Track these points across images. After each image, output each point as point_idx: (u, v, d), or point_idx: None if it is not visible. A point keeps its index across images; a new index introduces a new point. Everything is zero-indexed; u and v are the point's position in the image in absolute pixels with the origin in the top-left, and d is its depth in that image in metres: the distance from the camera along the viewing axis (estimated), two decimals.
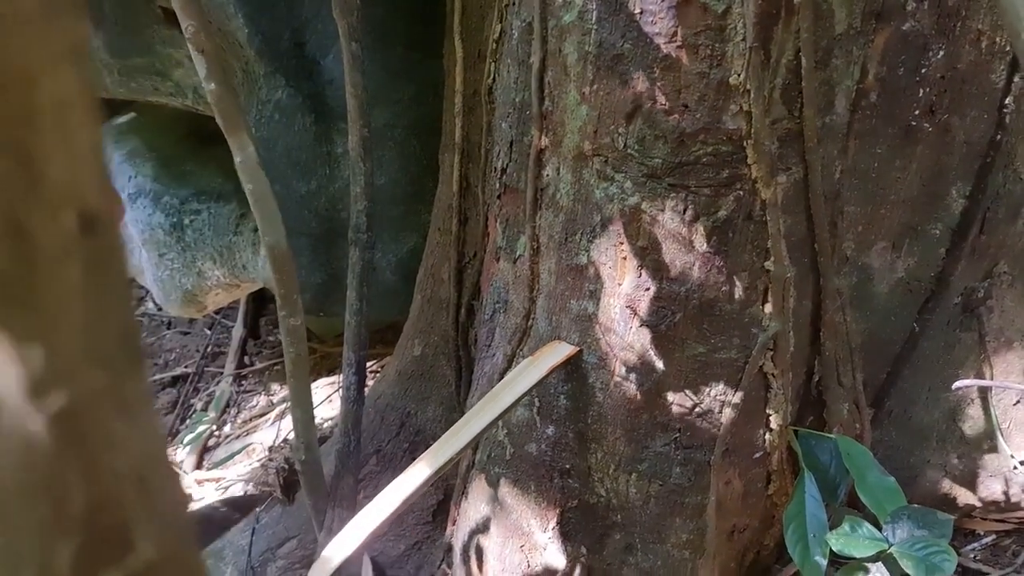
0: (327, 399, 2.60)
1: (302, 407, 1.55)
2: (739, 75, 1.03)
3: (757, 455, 1.29)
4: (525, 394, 1.22)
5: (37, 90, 0.18)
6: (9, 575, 0.21)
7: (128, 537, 0.23)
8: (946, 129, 1.17)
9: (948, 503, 1.46)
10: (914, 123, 1.15)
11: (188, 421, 2.76)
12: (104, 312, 0.21)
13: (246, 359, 3.06)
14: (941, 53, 1.11)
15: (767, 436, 1.27)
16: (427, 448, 1.23)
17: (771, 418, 1.26)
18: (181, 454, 2.50)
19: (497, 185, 1.37)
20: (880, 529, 1.15)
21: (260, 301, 3.12)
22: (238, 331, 3.10)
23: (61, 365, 0.20)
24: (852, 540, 1.11)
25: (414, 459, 1.53)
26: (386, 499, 1.12)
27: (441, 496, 1.81)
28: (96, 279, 0.21)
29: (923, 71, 1.12)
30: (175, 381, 3.02)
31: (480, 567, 1.43)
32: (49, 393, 0.20)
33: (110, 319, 0.21)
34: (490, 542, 1.41)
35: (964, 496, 1.46)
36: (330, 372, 2.81)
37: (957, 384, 1.24)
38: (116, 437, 0.22)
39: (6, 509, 0.20)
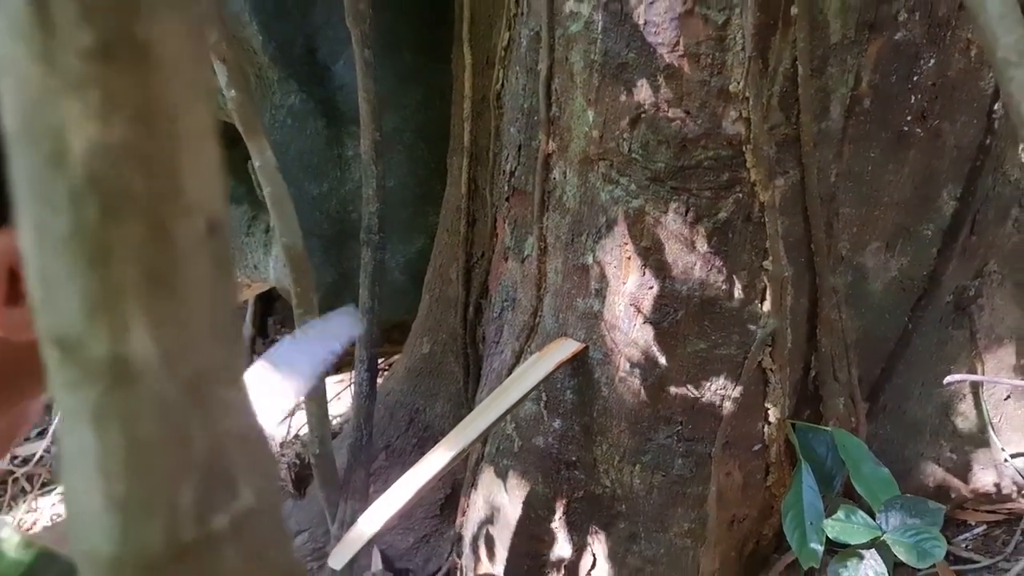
0: (336, 396, 2.65)
1: (317, 402, 1.60)
2: (738, 83, 1.08)
3: (756, 447, 1.34)
4: (533, 389, 1.26)
5: (179, 121, 0.23)
6: (145, 512, 0.26)
7: (234, 486, 0.28)
8: (937, 134, 1.22)
9: (941, 495, 1.51)
10: (906, 128, 1.20)
11: None
12: (222, 299, 0.26)
13: (254, 358, 3.11)
14: (932, 61, 1.15)
15: (766, 429, 1.32)
16: (436, 443, 1.28)
17: (769, 412, 1.31)
18: None
19: (506, 188, 1.42)
20: (874, 517, 1.20)
21: (267, 301, 3.18)
22: (247, 331, 3.15)
23: (191, 341, 0.25)
24: (847, 527, 1.16)
25: (423, 454, 1.58)
26: (400, 489, 1.17)
27: (449, 490, 1.86)
28: (217, 271, 0.26)
29: (915, 79, 1.16)
30: None
31: (490, 556, 1.48)
32: (181, 363, 0.25)
33: (225, 304, 0.26)
34: (499, 532, 1.46)
35: (956, 488, 1.51)
36: (338, 370, 2.86)
37: (949, 379, 1.28)
38: (227, 402, 0.27)
39: (146, 457, 0.25)
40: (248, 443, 0.28)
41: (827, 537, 1.19)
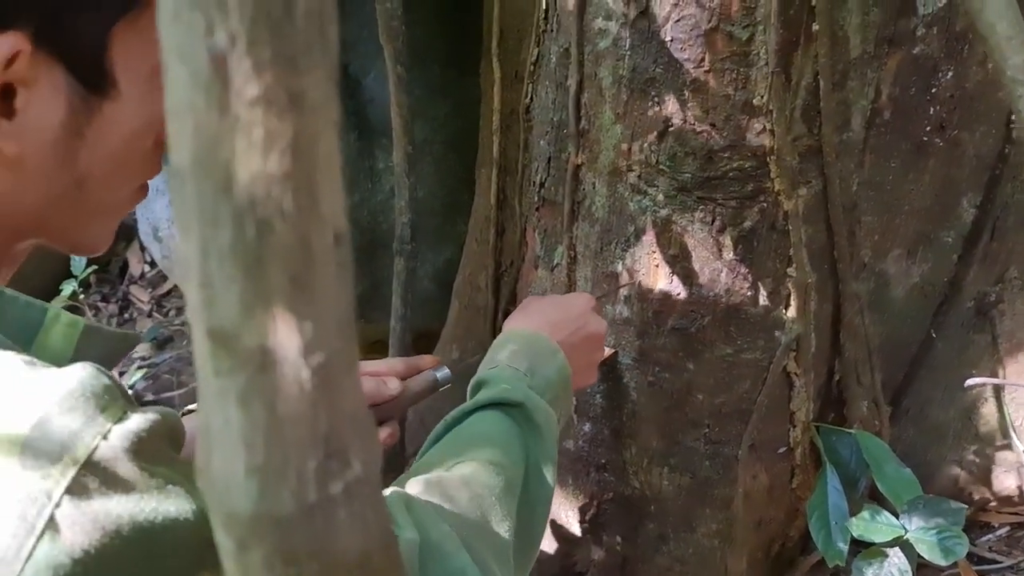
0: None
1: None
2: (762, 97, 1.13)
3: (782, 450, 1.38)
4: None
5: (318, 150, 0.29)
6: (279, 478, 0.31)
7: (347, 457, 0.32)
8: (956, 144, 1.26)
9: (964, 497, 1.54)
10: (926, 139, 1.24)
11: None
12: (344, 298, 0.31)
13: None
14: (950, 74, 1.19)
15: (791, 432, 1.36)
16: None
17: (794, 415, 1.34)
18: None
19: (536, 198, 1.47)
20: (898, 518, 1.23)
21: None
22: None
23: (321, 334, 0.30)
24: (871, 526, 1.20)
25: None
26: None
27: None
28: (341, 275, 0.31)
29: (933, 91, 1.20)
30: None
31: None
32: (313, 353, 0.30)
33: (347, 303, 0.31)
34: None
35: (979, 490, 1.54)
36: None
37: (970, 382, 1.31)
38: (344, 386, 0.32)
39: (282, 432, 0.30)
40: (358, 422, 0.33)
41: (852, 536, 1.23)
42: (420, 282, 2.22)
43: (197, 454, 0.32)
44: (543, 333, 1.03)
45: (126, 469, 0.48)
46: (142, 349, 3.46)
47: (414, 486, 0.79)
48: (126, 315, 3.73)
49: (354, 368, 0.32)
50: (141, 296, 3.79)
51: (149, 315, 3.73)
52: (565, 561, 1.47)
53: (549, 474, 0.88)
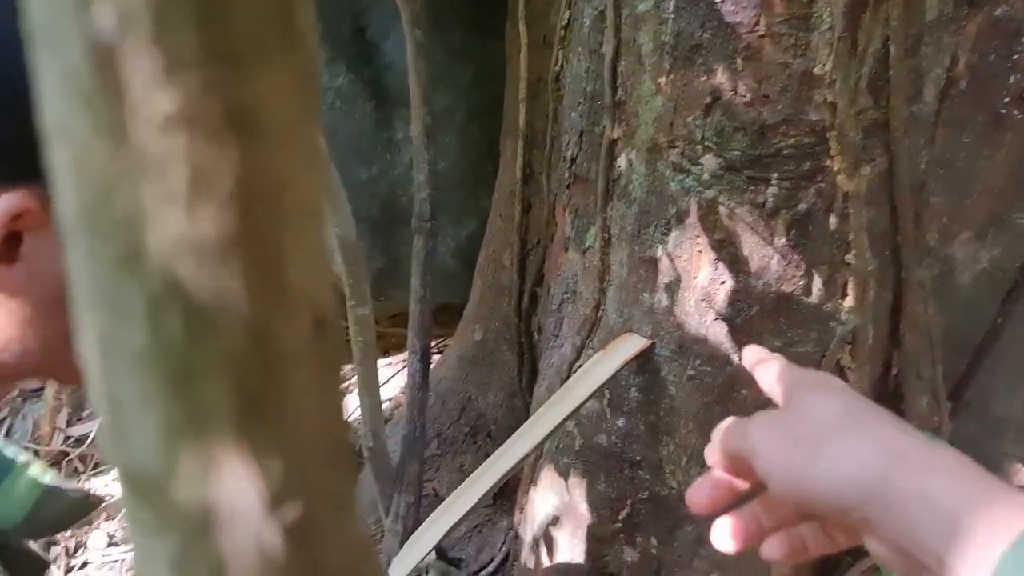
0: (384, 381, 2.63)
1: (370, 394, 1.57)
2: (824, 65, 1.00)
3: None
4: (600, 387, 1.21)
5: (285, 199, 0.18)
6: None
7: None
8: None
9: None
10: (1003, 111, 1.11)
11: None
12: (330, 411, 0.21)
13: None
14: None
15: None
16: (487, 433, 1.24)
17: None
18: None
19: (566, 175, 1.36)
20: None
21: None
22: None
23: (297, 472, 0.20)
24: None
25: (475, 442, 1.52)
26: (466, 493, 1.13)
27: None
28: (324, 379, 0.20)
29: (1015, 57, 1.07)
30: None
31: (550, 556, 1.43)
32: (285, 503, 0.20)
33: (335, 417, 0.21)
34: (560, 532, 1.42)
35: None
36: (385, 353, 2.83)
37: None
38: (337, 539, 0.22)
39: None
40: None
41: None
42: (441, 257, 2.12)
43: None
44: None
45: None
46: None
47: None
48: None
49: (350, 508, 0.22)
50: None
51: None
52: (596, 562, 1.38)
53: None
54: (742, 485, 0.67)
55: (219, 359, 0.18)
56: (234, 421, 0.18)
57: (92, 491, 0.69)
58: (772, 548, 0.65)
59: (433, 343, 2.75)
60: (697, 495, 0.69)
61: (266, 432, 0.19)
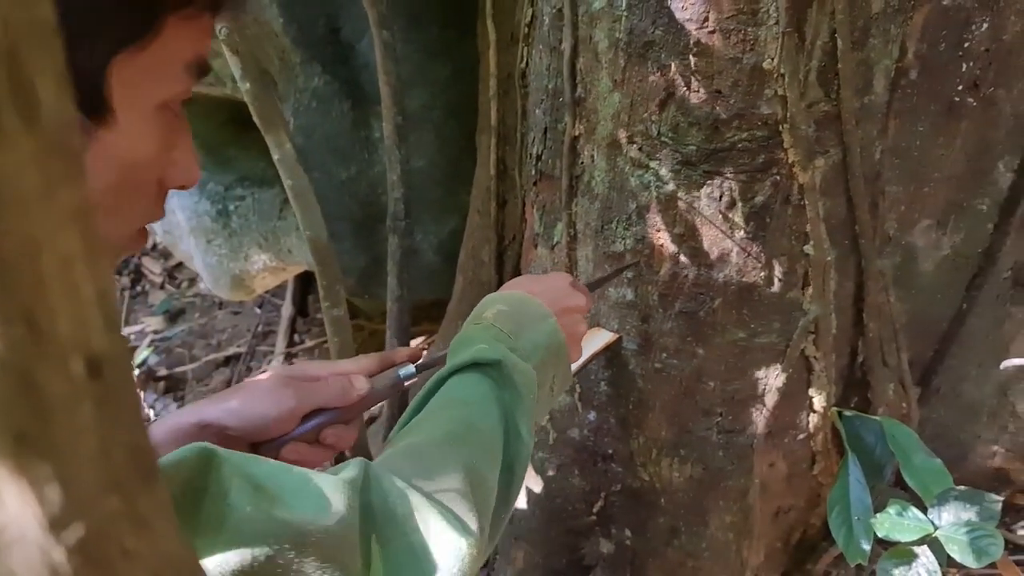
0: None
1: None
2: (773, 59, 1.01)
3: (800, 437, 1.28)
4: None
5: (43, 256, 0.19)
6: None
7: None
8: (991, 103, 1.14)
9: (1000, 478, 1.44)
10: (957, 99, 1.12)
11: None
12: (115, 442, 0.22)
13: (296, 337, 3.12)
14: (985, 26, 1.07)
15: (810, 418, 1.27)
16: None
17: (814, 400, 1.25)
18: None
19: (533, 172, 1.37)
20: (926, 511, 1.14)
21: (307, 279, 3.17)
22: (287, 310, 3.15)
23: (77, 498, 0.21)
24: (897, 524, 1.11)
25: None
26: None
27: None
28: (106, 414, 0.22)
29: (966, 45, 1.08)
30: (228, 361, 3.10)
31: (528, 551, 1.45)
32: (68, 526, 0.21)
33: (121, 447, 0.22)
34: (536, 526, 1.43)
35: (1017, 471, 1.44)
36: (379, 349, 2.85)
37: (1006, 363, 1.21)
38: (133, 552, 0.23)
39: None
40: None
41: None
42: (425, 255, 2.14)
43: None
44: (535, 298, 0.97)
45: None
46: (154, 323, 3.43)
47: (384, 460, 0.74)
48: (138, 287, 3.69)
49: (147, 524, 0.23)
50: (153, 268, 3.75)
51: (161, 287, 3.68)
52: (572, 555, 1.40)
53: (526, 433, 0.82)
54: None
55: None
56: (10, 457, 0.20)
57: None
58: None
59: (422, 338, 2.77)
60: None
61: (42, 467, 0.20)
